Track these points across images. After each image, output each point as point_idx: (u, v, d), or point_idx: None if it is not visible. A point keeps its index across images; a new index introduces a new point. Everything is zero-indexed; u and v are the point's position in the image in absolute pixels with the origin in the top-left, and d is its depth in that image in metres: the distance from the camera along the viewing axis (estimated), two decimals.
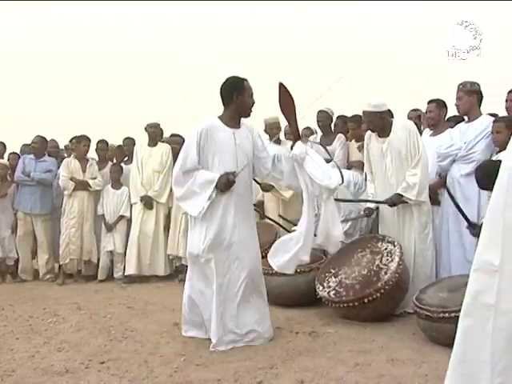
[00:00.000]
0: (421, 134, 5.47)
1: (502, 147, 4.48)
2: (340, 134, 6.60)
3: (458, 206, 4.68)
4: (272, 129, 6.70)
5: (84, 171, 7.13)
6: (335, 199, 5.45)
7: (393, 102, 6.41)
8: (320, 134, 6.82)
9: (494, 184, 3.98)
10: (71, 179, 7.00)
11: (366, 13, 8.81)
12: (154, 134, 7.20)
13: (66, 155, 7.95)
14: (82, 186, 7.06)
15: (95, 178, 7.14)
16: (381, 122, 5.03)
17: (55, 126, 8.82)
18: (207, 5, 9.26)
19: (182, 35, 9.47)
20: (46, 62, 10.13)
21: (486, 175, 4.16)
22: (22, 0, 9.78)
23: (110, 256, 7.16)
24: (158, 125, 7.29)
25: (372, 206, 5.22)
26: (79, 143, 7.20)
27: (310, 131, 7.19)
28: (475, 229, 4.59)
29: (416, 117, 5.98)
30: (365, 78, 8.19)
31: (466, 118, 5.36)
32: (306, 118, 7.30)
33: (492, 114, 5.29)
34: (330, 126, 6.74)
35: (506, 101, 5.25)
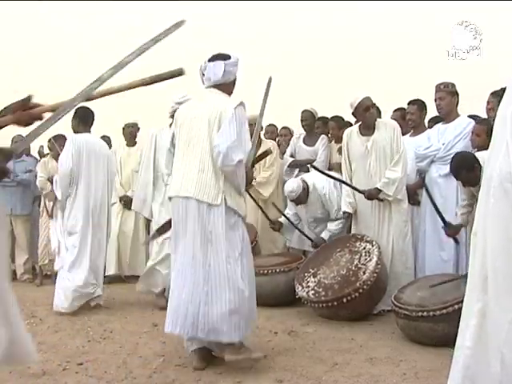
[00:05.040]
0: (404, 133, 5.49)
1: (480, 150, 4.53)
2: (323, 135, 6.61)
3: (435, 205, 4.73)
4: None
5: None
6: (312, 166, 5.50)
7: (392, 101, 6.45)
8: (303, 134, 6.80)
9: (469, 176, 4.02)
10: (49, 179, 6.92)
11: (365, 12, 8.82)
12: (133, 133, 7.16)
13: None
14: None
15: None
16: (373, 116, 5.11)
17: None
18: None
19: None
20: (28, 62, 10.03)
21: (463, 165, 4.24)
22: None
23: None
24: (136, 124, 7.25)
25: (351, 209, 5.22)
26: (55, 143, 7.11)
27: (288, 131, 7.21)
28: (450, 228, 4.64)
29: (400, 116, 5.99)
30: (364, 77, 8.21)
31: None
32: (289, 118, 7.35)
33: (473, 116, 5.31)
34: (314, 125, 6.74)
35: (488, 102, 5.19)
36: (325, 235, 5.51)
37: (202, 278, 3.50)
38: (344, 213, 5.27)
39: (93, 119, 5.66)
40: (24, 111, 2.28)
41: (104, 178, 5.60)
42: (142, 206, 5.61)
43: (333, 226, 5.49)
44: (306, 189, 5.49)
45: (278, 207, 5.84)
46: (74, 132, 5.64)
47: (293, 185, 5.50)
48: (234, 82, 3.77)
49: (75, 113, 5.53)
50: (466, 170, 4.21)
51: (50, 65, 9.73)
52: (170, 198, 3.73)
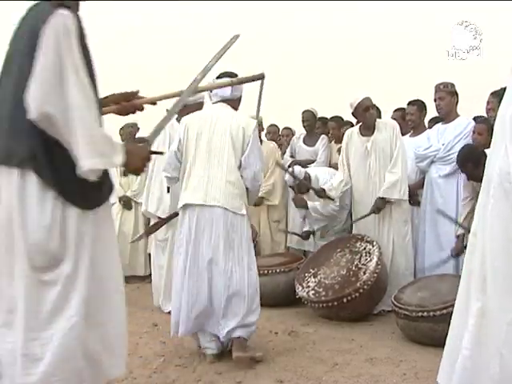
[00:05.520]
0: (404, 134, 5.49)
1: (482, 148, 4.53)
2: (323, 135, 6.61)
3: (452, 220, 4.75)
4: None
5: None
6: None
7: (392, 101, 6.44)
8: (303, 134, 6.79)
9: (475, 170, 4.03)
10: None
11: (365, 12, 8.80)
12: (132, 133, 7.16)
13: None
14: None
15: None
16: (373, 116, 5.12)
17: None
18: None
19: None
20: None
21: (470, 158, 4.25)
22: None
23: None
24: (136, 124, 7.25)
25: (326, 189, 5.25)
26: None
27: (290, 131, 7.20)
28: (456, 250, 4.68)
29: (400, 116, 5.98)
30: (364, 77, 8.21)
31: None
32: (290, 118, 7.35)
33: (478, 117, 5.29)
34: (315, 125, 6.74)
35: (488, 103, 5.17)
36: (311, 205, 5.43)
37: (223, 283, 3.71)
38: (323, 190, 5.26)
39: None
40: (127, 102, 2.66)
41: None
42: (157, 205, 5.37)
43: (325, 207, 5.41)
44: (307, 179, 5.47)
45: (281, 165, 5.90)
46: None
47: (296, 171, 5.48)
48: (239, 99, 4.05)
49: None
50: (473, 163, 4.21)
51: None
52: (186, 205, 3.79)
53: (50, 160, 2.07)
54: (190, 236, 3.75)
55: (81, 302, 2.12)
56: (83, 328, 2.12)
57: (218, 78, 3.87)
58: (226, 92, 3.90)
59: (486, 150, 4.23)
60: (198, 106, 4.84)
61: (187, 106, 4.83)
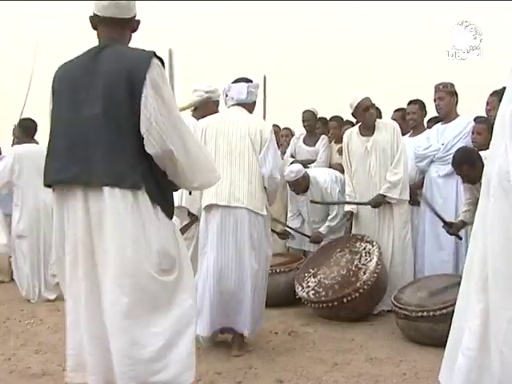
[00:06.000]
0: (404, 134, 5.48)
1: (481, 148, 4.52)
2: (323, 135, 6.60)
3: (432, 209, 4.72)
4: None
5: None
6: (311, 201, 5.49)
7: (392, 101, 6.44)
8: (303, 134, 6.78)
9: (470, 172, 4.03)
10: None
11: (365, 12, 8.80)
12: None
13: None
14: None
15: None
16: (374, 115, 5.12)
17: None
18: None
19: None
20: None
21: (466, 160, 4.24)
22: None
23: None
24: None
25: (352, 208, 5.22)
26: None
27: (289, 132, 7.20)
28: (451, 227, 4.62)
29: (400, 117, 5.97)
30: (364, 77, 8.21)
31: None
32: (290, 118, 7.34)
33: (479, 117, 5.27)
34: (315, 125, 6.74)
35: (488, 103, 5.12)
36: (323, 229, 5.51)
37: (250, 282, 3.87)
38: (345, 213, 5.28)
39: (35, 130, 5.87)
40: None
41: None
42: (191, 202, 5.28)
43: (332, 222, 5.50)
44: (306, 178, 5.48)
45: (278, 220, 5.86)
46: (18, 141, 5.75)
47: (295, 167, 5.49)
48: (254, 103, 4.18)
49: (19, 123, 5.91)
50: (468, 164, 4.20)
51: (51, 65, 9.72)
52: (210, 205, 3.89)
53: (155, 181, 2.44)
54: (215, 236, 3.86)
55: (190, 293, 2.56)
56: (194, 320, 2.58)
57: (233, 82, 4.01)
58: (242, 95, 4.00)
59: (481, 153, 4.25)
60: (215, 104, 4.78)
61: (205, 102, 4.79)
